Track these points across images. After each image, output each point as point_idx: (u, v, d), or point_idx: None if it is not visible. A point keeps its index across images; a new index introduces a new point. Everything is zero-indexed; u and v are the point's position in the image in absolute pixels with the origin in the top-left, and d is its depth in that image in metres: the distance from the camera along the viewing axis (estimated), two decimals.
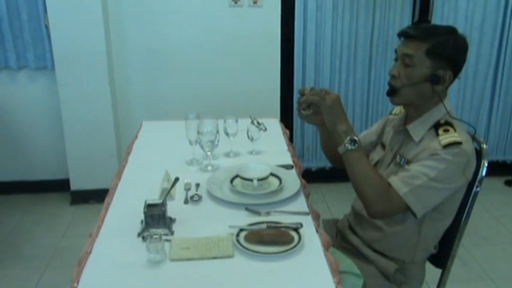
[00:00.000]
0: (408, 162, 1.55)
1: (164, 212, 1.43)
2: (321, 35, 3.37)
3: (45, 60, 3.17)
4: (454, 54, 1.49)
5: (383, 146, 1.76)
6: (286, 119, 3.37)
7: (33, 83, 3.28)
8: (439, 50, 1.47)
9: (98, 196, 2.95)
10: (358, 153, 1.50)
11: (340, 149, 1.51)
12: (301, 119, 1.69)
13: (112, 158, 3.28)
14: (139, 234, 1.41)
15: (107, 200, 1.65)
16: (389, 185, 1.50)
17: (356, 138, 1.49)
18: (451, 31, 1.51)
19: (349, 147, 1.49)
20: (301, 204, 1.61)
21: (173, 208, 1.52)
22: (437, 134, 1.50)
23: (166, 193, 1.53)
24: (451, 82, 1.54)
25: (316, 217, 1.59)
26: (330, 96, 1.52)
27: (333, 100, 1.51)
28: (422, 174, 1.47)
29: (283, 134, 2.28)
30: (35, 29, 3.11)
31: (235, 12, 3.21)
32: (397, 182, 1.49)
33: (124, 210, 1.56)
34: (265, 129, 2.03)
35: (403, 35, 1.54)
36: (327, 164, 3.58)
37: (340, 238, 1.84)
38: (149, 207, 1.42)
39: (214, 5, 3.19)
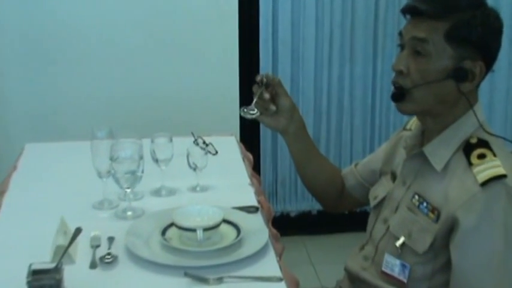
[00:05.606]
0: (434, 210, 1.59)
1: (59, 282, 1.43)
2: (300, 10, 3.46)
3: None
4: (484, 36, 1.56)
5: (393, 176, 1.81)
6: (250, 137, 3.41)
7: None
8: (464, 31, 1.54)
9: None
10: None
11: None
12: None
13: None
14: None
15: None
16: None
17: None
18: (477, 4, 1.58)
19: None
20: (270, 265, 1.64)
21: (73, 275, 1.51)
22: (470, 164, 1.55)
23: (63, 253, 1.53)
24: (483, 78, 1.60)
25: (293, 285, 1.62)
26: None
27: None
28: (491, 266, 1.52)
29: (243, 160, 2.32)
30: None
31: None
32: None
33: None
34: (216, 152, 2.08)
35: (410, 10, 1.60)
36: (314, 206, 3.62)
37: None
38: (35, 274, 1.42)
39: None
